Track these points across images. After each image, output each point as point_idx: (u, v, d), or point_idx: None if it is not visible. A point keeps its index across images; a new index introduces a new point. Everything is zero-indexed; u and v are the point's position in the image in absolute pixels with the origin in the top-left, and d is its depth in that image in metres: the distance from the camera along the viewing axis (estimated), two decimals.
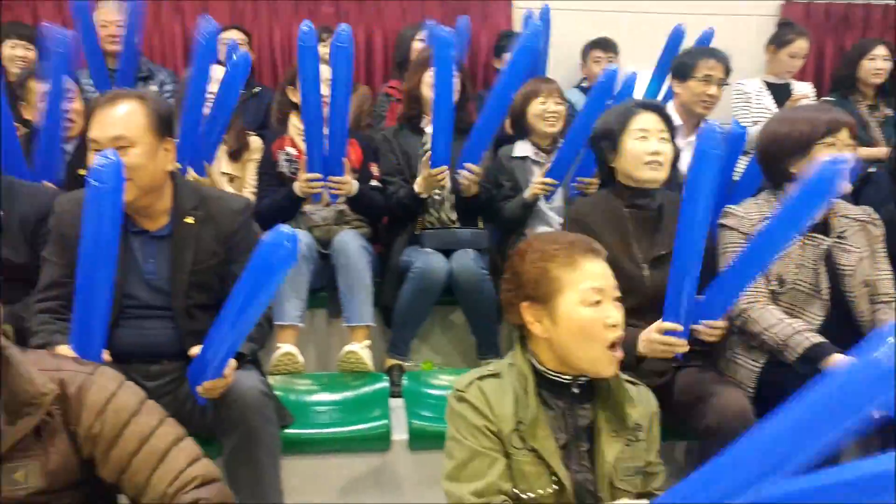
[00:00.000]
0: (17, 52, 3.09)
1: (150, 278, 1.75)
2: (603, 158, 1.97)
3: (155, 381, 1.75)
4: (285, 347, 2.30)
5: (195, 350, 1.61)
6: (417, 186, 2.44)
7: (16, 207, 1.94)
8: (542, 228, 2.67)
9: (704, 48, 2.84)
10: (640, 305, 1.79)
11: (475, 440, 1.28)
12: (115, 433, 1.15)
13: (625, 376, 1.39)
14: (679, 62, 2.68)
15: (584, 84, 3.62)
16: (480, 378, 1.34)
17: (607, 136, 1.94)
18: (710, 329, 1.71)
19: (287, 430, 1.87)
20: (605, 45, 3.55)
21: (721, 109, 2.80)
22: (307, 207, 2.53)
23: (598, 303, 1.28)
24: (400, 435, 2.02)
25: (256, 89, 3.40)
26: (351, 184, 2.41)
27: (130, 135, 1.65)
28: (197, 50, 2.36)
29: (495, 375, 1.35)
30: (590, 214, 1.93)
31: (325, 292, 2.58)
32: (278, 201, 2.46)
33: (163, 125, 1.71)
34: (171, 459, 1.17)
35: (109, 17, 3.12)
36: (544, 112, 2.66)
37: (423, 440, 2.00)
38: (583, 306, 1.28)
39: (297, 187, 2.40)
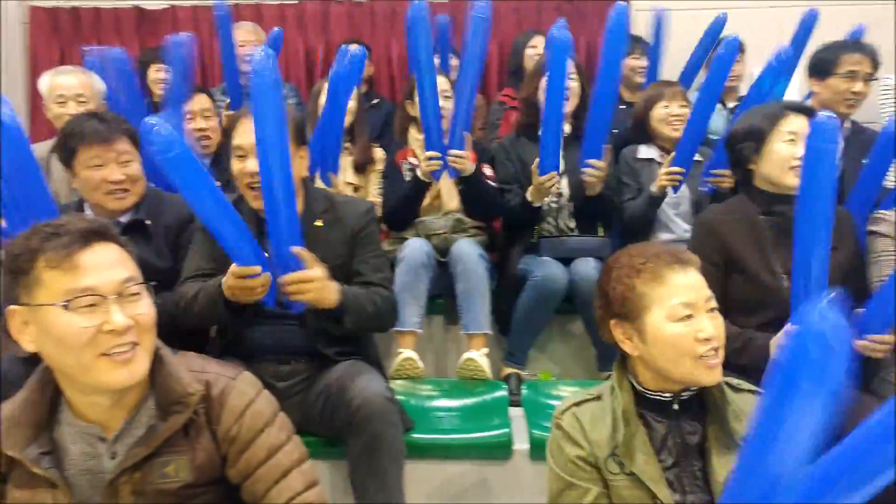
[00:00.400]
0: (160, 75, 3.32)
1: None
2: (741, 160, 1.87)
3: (285, 382, 1.83)
4: (406, 353, 2.34)
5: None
6: (529, 195, 2.43)
7: (162, 217, 2.08)
8: (665, 236, 2.58)
9: (847, 42, 2.63)
10: (778, 318, 1.69)
11: (567, 472, 1.27)
12: (250, 438, 1.21)
13: (747, 385, 1.32)
14: (818, 58, 2.49)
15: None
16: (578, 404, 1.32)
17: (751, 137, 1.84)
18: (877, 344, 1.58)
19: (408, 435, 1.89)
20: None
21: (866, 107, 2.58)
22: (425, 217, 2.57)
23: (688, 317, 1.22)
24: (521, 444, 2.00)
25: (375, 101, 3.50)
26: (469, 160, 2.39)
27: None
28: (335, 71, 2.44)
29: (596, 398, 1.32)
30: (722, 221, 1.83)
31: (441, 299, 2.60)
32: (404, 193, 2.52)
33: (298, 134, 1.84)
34: (292, 479, 1.22)
35: (249, 38, 3.32)
36: (668, 116, 2.59)
37: (544, 450, 1.95)
38: (671, 322, 1.22)
39: (420, 169, 2.43)
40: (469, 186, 2.46)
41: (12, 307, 1.11)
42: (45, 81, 2.76)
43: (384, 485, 1.69)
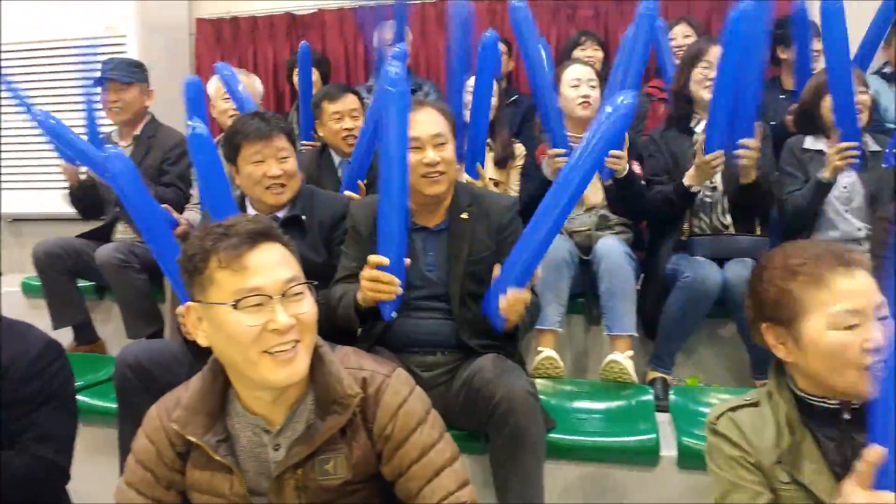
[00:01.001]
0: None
1: (429, 269, 1.89)
2: None
3: (430, 372, 1.85)
4: (546, 352, 2.31)
5: (496, 270, 1.71)
6: (688, 179, 2.30)
7: (315, 213, 2.17)
8: (832, 235, 2.36)
9: None
10: None
11: (732, 472, 1.19)
12: (403, 437, 1.22)
13: None
14: None
15: (887, 70, 3.13)
16: (734, 409, 1.24)
17: None
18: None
19: (550, 435, 1.85)
20: None
21: None
22: None
23: (854, 325, 1.09)
24: (669, 451, 1.91)
25: (514, 97, 3.47)
26: (625, 160, 2.32)
27: (446, 133, 1.85)
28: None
29: (753, 405, 1.23)
30: None
31: (582, 298, 2.54)
32: (532, 192, 2.46)
33: (456, 130, 1.90)
34: (444, 478, 1.22)
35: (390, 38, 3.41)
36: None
37: (693, 459, 1.86)
38: (833, 330, 1.10)
39: (546, 166, 2.38)
40: (622, 187, 2.39)
41: (188, 304, 1.18)
42: (213, 82, 3.01)
43: (525, 481, 1.67)
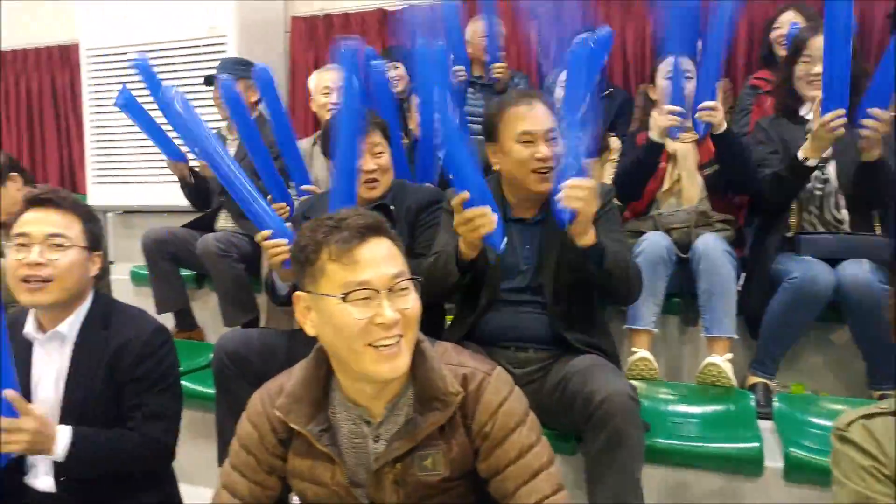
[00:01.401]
0: (393, 73, 3.51)
1: (524, 261, 1.85)
2: None
3: (523, 369, 1.82)
4: (641, 353, 2.23)
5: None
6: (803, 151, 2.13)
7: (404, 202, 2.19)
8: None
9: None
10: None
11: (862, 483, 1.09)
12: (502, 436, 1.21)
13: None
14: None
15: None
16: (867, 416, 1.13)
17: None
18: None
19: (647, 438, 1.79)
20: None
21: None
22: (664, 209, 2.42)
23: None
24: (773, 462, 1.80)
25: (608, 91, 3.38)
26: (721, 112, 2.20)
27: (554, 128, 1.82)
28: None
29: (891, 413, 1.12)
30: None
31: (678, 298, 2.44)
32: (636, 156, 2.39)
33: None
34: (540, 481, 1.20)
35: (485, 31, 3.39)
36: None
37: (802, 472, 1.76)
38: None
39: (655, 126, 2.30)
40: (723, 145, 2.25)
41: (298, 293, 1.21)
42: (314, 78, 3.12)
43: (624, 482, 1.61)
